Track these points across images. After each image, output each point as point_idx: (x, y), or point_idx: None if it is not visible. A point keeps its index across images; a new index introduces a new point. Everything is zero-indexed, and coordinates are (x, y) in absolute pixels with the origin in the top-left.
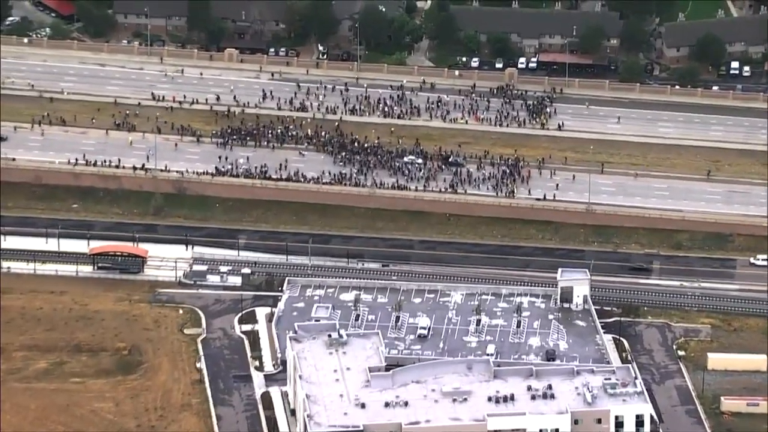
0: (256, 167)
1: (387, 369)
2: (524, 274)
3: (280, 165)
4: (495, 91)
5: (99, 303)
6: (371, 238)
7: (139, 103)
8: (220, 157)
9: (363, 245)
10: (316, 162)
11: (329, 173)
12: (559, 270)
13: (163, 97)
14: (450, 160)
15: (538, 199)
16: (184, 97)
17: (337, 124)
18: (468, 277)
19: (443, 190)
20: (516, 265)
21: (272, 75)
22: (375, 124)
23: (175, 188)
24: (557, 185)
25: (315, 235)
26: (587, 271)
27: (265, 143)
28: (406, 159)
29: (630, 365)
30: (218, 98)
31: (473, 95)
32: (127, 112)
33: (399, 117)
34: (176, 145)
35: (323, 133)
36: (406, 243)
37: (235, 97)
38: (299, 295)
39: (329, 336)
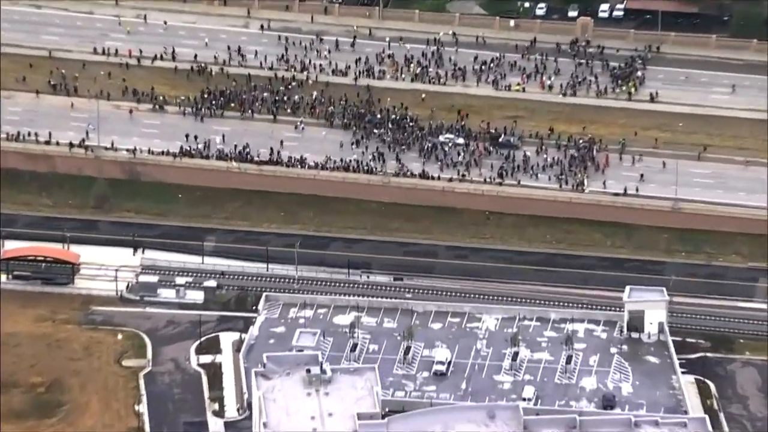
0: (236, 146)
1: (383, 416)
2: (582, 293)
3: (270, 145)
4: (563, 48)
5: (12, 323)
6: (382, 243)
7: (84, 62)
8: (188, 135)
9: (371, 251)
10: (315, 140)
11: (332, 157)
12: (627, 288)
13: (117, 51)
14: (501, 140)
15: (617, 194)
16: (141, 52)
17: (353, 94)
18: (506, 295)
19: (488, 180)
20: (571, 281)
21: (264, 25)
22: (401, 90)
23: (124, 172)
24: (641, 175)
25: (307, 238)
26: (665, 290)
27: (250, 114)
28: (442, 138)
29: (710, 416)
30: (195, 57)
31: (535, 53)
32: (66, 70)
33: (433, 81)
34: (131, 113)
35: (329, 101)
36: (429, 250)
37: (214, 54)
38: (279, 317)
39: (308, 371)
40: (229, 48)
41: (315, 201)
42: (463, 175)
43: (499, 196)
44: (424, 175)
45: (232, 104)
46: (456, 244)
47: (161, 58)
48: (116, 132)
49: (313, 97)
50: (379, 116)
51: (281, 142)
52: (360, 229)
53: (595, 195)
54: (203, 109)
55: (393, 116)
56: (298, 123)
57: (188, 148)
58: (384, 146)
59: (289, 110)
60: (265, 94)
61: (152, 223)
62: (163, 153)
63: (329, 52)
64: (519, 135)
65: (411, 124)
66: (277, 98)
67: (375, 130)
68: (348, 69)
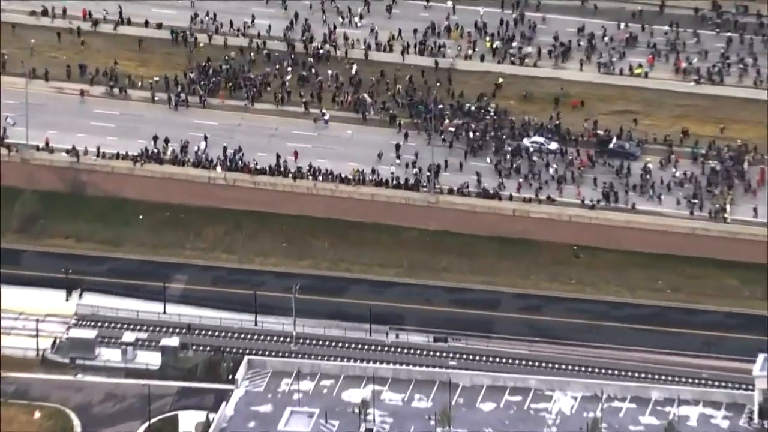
0: (224, 148)
1: None
2: (699, 363)
3: (273, 147)
4: (705, 14)
5: None
6: (422, 288)
7: (15, 25)
8: (156, 137)
9: (405, 299)
10: (339, 141)
11: (361, 165)
12: (761, 358)
13: (65, 12)
14: (611, 145)
15: None
16: (106, 13)
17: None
18: (590, 365)
19: (589, 202)
20: (686, 346)
21: None
22: (467, 72)
23: (63, 183)
24: None
25: (318, 279)
26: None
27: (248, 101)
28: (528, 141)
29: None
30: (190, 28)
31: (667, 23)
32: None
33: (513, 61)
34: (82, 95)
35: (355, 82)
36: (488, 298)
37: (197, 15)
38: (266, 391)
39: None
40: (213, 16)
41: (331, 227)
42: (547, 196)
43: (594, 225)
44: (488, 194)
45: (224, 88)
46: (527, 291)
47: (128, 22)
48: (55, 125)
49: (338, 79)
50: (438, 107)
51: (298, 148)
52: (393, 268)
53: (739, 225)
54: (182, 95)
55: (457, 106)
56: (320, 115)
57: (155, 150)
58: (440, 149)
59: (304, 97)
60: (277, 74)
61: (98, 255)
62: (119, 156)
63: (360, 17)
64: (639, 139)
65: (489, 118)
66: (286, 79)
67: (430, 129)
68: (393, 41)
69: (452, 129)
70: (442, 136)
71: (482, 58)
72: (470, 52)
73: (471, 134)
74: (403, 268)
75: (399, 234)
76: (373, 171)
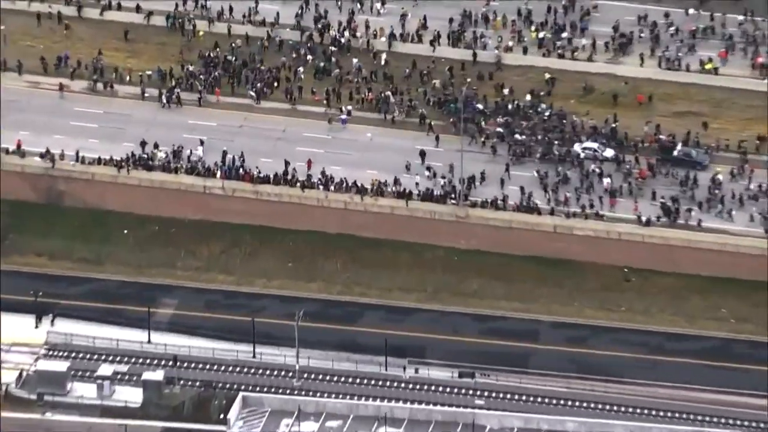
0: (224, 153)
1: None
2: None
3: (280, 152)
4: None
5: None
6: (448, 315)
7: None
8: (144, 142)
9: (427, 328)
10: (357, 146)
11: (382, 174)
12: None
13: None
14: (676, 153)
15: None
16: None
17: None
18: (640, 406)
19: (646, 220)
20: (754, 384)
21: None
22: (510, 67)
23: (37, 192)
24: None
25: (328, 304)
26: None
27: (254, 98)
28: (580, 147)
29: None
30: (188, 13)
31: (744, 13)
32: None
33: (562, 54)
34: (61, 90)
35: (382, 77)
36: (524, 328)
37: (201, 2)
38: None
39: None
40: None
41: (345, 245)
42: (595, 211)
43: (648, 244)
44: (526, 208)
45: (228, 83)
46: (569, 319)
47: (117, 6)
48: (28, 125)
49: (360, 72)
50: (475, 105)
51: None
52: (414, 292)
53: None
54: (176, 91)
55: (501, 105)
56: (336, 115)
57: (144, 155)
58: (478, 156)
59: (317, 94)
60: (291, 66)
61: (74, 275)
62: (101, 162)
63: (382, 3)
64: (706, 146)
65: (538, 119)
66: (301, 72)
67: (469, 131)
68: (422, 30)
69: (499, 129)
70: (483, 139)
71: (525, 51)
72: (511, 44)
73: (516, 136)
74: (427, 292)
75: (422, 253)
76: (396, 181)
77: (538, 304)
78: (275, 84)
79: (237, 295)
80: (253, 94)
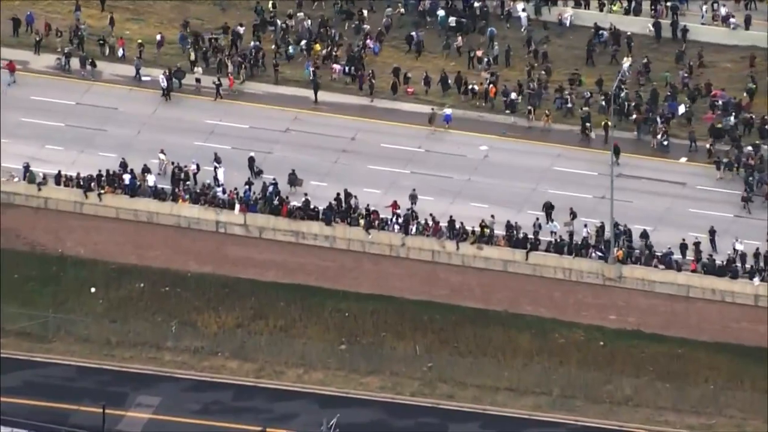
0: (253, 168)
1: None
2: None
3: (339, 170)
4: None
5: None
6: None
7: None
8: (123, 163)
9: None
10: (460, 163)
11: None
12: None
13: None
14: None
15: None
16: None
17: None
18: None
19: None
20: None
21: None
22: (715, 47)
23: None
24: None
25: (391, 409)
26: None
27: (314, 85)
28: None
29: None
30: None
31: None
32: None
33: None
34: (12, 71)
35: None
36: None
37: None
38: None
39: None
40: None
41: (428, 318)
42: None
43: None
44: (718, 268)
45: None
46: None
47: None
48: None
49: (492, 44)
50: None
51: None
52: (532, 395)
53: None
54: (196, 70)
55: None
56: (435, 112)
57: (128, 173)
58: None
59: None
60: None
61: (7, 356)
62: (63, 180)
63: None
64: None
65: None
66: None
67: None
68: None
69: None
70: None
71: (749, 22)
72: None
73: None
74: (552, 396)
75: (549, 335)
76: (510, 227)
77: (725, 419)
78: (353, 69)
79: (255, 394)
80: (313, 81)
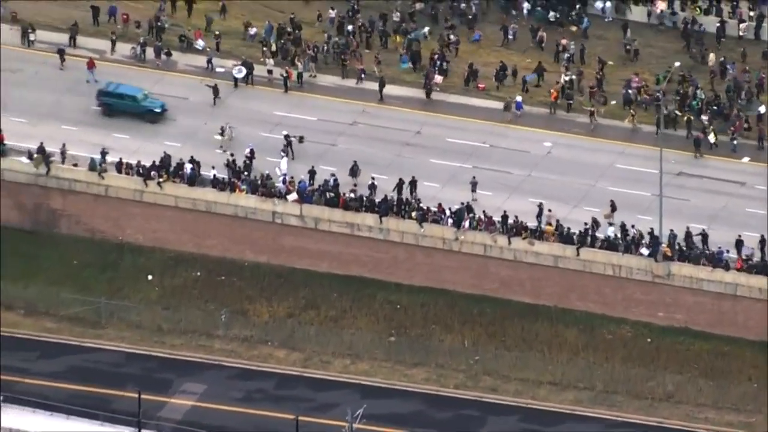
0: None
1: None
2: None
3: (401, 163)
4: None
5: None
6: (625, 428)
7: None
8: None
9: None
10: (524, 159)
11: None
12: None
13: None
14: None
15: None
16: None
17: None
18: None
19: None
20: None
21: None
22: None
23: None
24: None
25: (433, 402)
26: None
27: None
28: None
29: None
30: None
31: None
32: None
33: None
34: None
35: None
36: None
37: None
38: None
39: None
40: None
41: (479, 311)
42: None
43: None
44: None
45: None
46: None
47: None
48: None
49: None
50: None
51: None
52: (574, 390)
53: None
54: (268, 63)
55: None
56: (510, 101)
57: (189, 164)
58: None
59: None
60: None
61: (55, 340)
62: (123, 169)
63: None
64: None
65: None
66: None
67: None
68: None
69: None
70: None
71: None
72: None
73: None
74: (594, 390)
75: (596, 330)
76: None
77: (766, 417)
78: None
79: (298, 383)
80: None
